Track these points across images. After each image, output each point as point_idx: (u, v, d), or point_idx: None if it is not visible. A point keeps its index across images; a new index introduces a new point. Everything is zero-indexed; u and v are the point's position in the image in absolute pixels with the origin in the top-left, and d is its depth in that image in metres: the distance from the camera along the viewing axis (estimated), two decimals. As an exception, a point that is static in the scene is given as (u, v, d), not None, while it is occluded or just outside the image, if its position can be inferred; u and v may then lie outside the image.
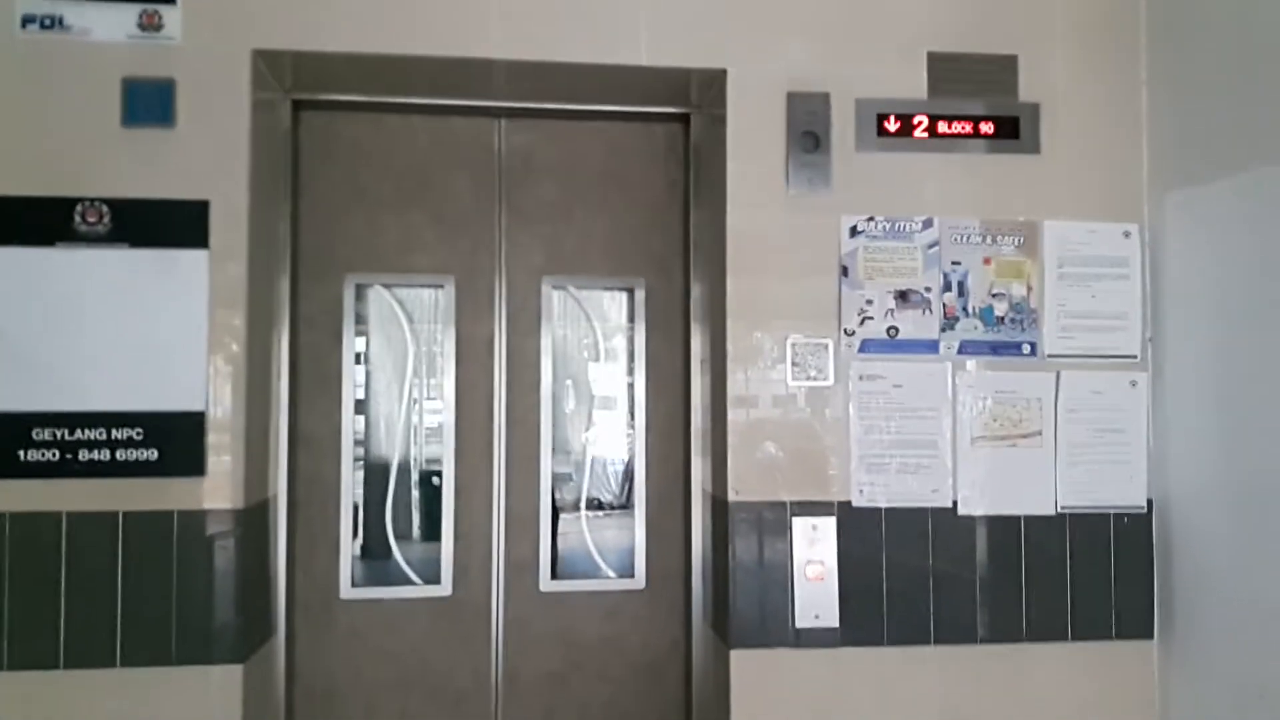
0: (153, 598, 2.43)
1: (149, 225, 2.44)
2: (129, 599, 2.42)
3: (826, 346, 2.65)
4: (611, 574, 3.11)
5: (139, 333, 2.44)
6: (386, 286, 3.07)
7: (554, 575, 3.05)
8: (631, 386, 3.14)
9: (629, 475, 3.14)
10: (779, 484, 2.63)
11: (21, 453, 2.39)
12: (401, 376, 3.10)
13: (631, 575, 3.08)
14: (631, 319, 3.14)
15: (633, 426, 3.12)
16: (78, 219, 2.42)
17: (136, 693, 2.41)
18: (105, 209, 2.43)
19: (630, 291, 3.14)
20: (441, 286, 3.05)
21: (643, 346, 3.11)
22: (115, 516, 2.43)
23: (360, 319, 3.04)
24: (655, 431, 3.11)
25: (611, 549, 3.14)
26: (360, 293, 3.03)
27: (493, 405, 3.04)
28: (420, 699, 2.97)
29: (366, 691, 2.95)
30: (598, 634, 3.05)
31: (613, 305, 3.20)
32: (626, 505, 3.14)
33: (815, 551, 2.61)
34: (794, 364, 2.64)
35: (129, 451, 2.44)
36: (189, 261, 2.45)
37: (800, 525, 2.62)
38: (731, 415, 2.63)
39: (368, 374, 3.08)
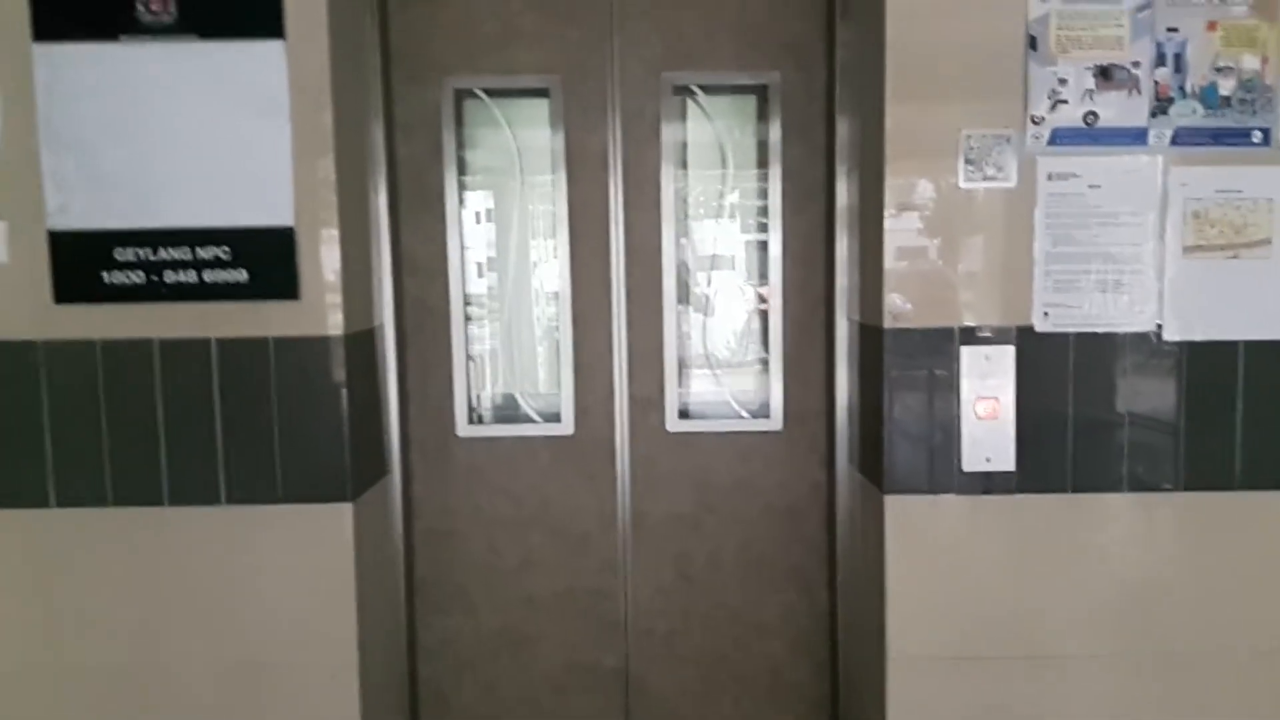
0: (254, 432, 2.26)
1: (218, 12, 2.15)
2: (230, 433, 2.26)
3: (1008, 139, 2.20)
4: (745, 414, 2.81)
5: (217, 138, 2.19)
6: (488, 93, 2.72)
7: (682, 414, 2.77)
8: (764, 201, 2.75)
9: (762, 304, 2.79)
10: (946, 307, 2.24)
11: (105, 274, 2.20)
12: (508, 195, 2.79)
13: (767, 415, 2.77)
14: (764, 117, 2.72)
15: (766, 248, 2.75)
16: (140, 7, 2.14)
17: (243, 531, 2.28)
18: (170, -6, 2.14)
19: (763, 88, 2.70)
20: (547, 90, 2.68)
21: (778, 150, 2.69)
22: (207, 344, 2.24)
23: (460, 129, 2.71)
24: (792, 254, 2.73)
25: (745, 388, 2.84)
26: (459, 97, 2.70)
27: (609, 228, 2.71)
28: (544, 539, 2.79)
29: (487, 531, 2.79)
30: (730, 476, 2.79)
31: (743, 104, 2.78)
32: (761, 338, 2.80)
33: (988, 385, 2.24)
34: (968, 161, 2.20)
35: (217, 272, 2.23)
36: (264, 54, 2.16)
37: (970, 355, 2.24)
38: (889, 226, 2.23)
39: (470, 190, 2.77)
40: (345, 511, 2.29)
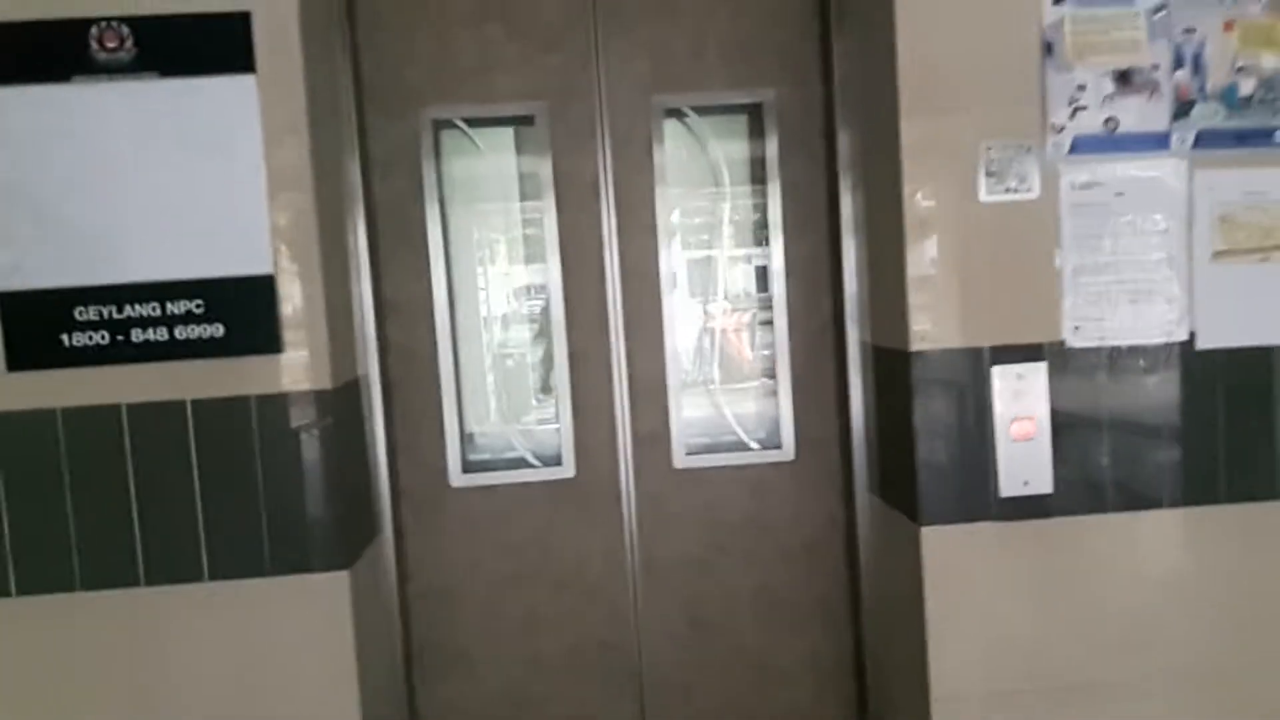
0: (238, 500, 2.06)
1: (180, 47, 1.97)
2: (210, 502, 2.06)
3: (1029, 149, 2.10)
4: (754, 445, 2.67)
5: (185, 182, 2.00)
6: (469, 123, 2.57)
7: (689, 450, 2.62)
8: (764, 220, 2.63)
9: (769, 329, 2.66)
10: (973, 327, 2.13)
11: (65, 336, 2.00)
12: (494, 228, 2.64)
13: (778, 445, 2.64)
14: (761, 135, 2.60)
15: (767, 269, 2.62)
16: (94, 45, 1.95)
17: (231, 608, 2.07)
18: (126, 30, 1.95)
19: (757, 106, 2.59)
20: (531, 117, 2.53)
21: (776, 167, 2.58)
22: (182, 406, 2.04)
23: (440, 161, 2.55)
24: (797, 274, 2.61)
25: (752, 416, 2.71)
26: (437, 130, 2.54)
27: (603, 255, 2.57)
28: (548, 593, 2.62)
29: (487, 588, 2.61)
30: (742, 512, 2.64)
31: (736, 124, 2.66)
32: (767, 364, 2.67)
33: (1022, 405, 2.13)
34: (989, 174, 2.10)
35: (190, 328, 2.03)
36: (234, 90, 1.98)
37: (1002, 375, 2.13)
38: (910, 243, 2.11)
39: (452, 227, 2.61)
40: (341, 580, 2.10)
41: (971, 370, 2.13)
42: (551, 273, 2.55)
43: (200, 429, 2.05)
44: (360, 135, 2.42)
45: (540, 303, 2.62)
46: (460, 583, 2.60)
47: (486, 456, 2.64)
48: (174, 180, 1.99)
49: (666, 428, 2.60)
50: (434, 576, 2.59)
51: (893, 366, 2.25)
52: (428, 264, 2.54)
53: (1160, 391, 2.15)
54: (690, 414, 2.64)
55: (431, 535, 2.58)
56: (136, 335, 2.02)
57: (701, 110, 2.61)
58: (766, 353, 2.66)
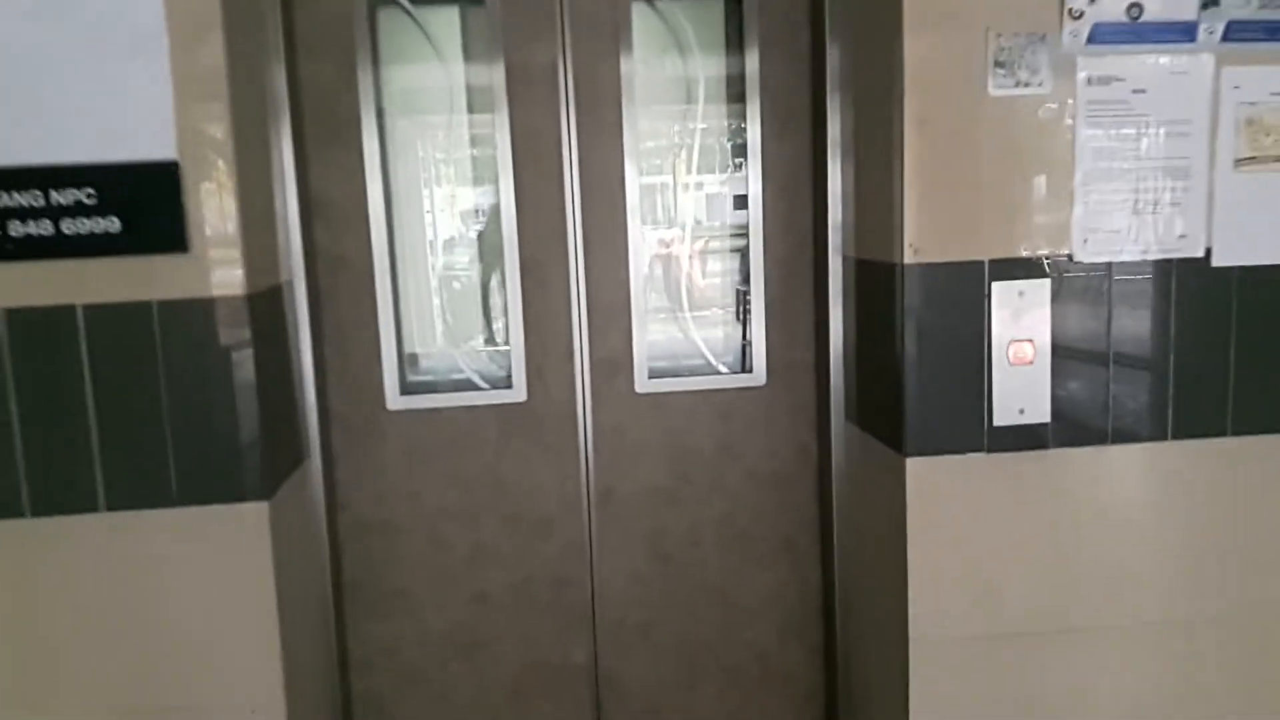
0: (138, 420, 1.79)
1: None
2: (106, 423, 1.79)
3: (1042, 39, 1.86)
4: (723, 369, 2.45)
5: (70, 46, 1.69)
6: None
7: (651, 373, 2.39)
8: (740, 124, 2.38)
9: (742, 246, 2.43)
10: (972, 237, 1.92)
11: (-74, 228, 1.70)
12: (436, 125, 2.36)
13: (748, 369, 2.42)
14: (739, 28, 2.33)
15: (744, 176, 2.38)
16: None
17: (131, 544, 1.82)
18: None
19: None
20: (482, -5, 2.24)
21: (755, 67, 2.32)
22: (71, 312, 1.76)
23: (376, 44, 2.26)
24: (775, 185, 2.37)
25: (721, 340, 2.49)
26: (374, 4, 2.24)
27: (561, 160, 2.30)
28: (497, 527, 2.40)
29: (428, 521, 2.39)
30: (709, 440, 2.44)
31: (711, 11, 2.39)
32: (740, 282, 2.45)
33: (1022, 326, 1.93)
34: (997, 64, 1.87)
35: (80, 221, 1.75)
36: (124, -66, 1.67)
37: (1002, 291, 1.92)
38: (908, 141, 1.88)
39: (391, 122, 2.32)
40: (260, 512, 1.85)
41: (968, 286, 1.92)
42: (503, 178, 2.28)
43: (93, 338, 1.77)
44: (285, 9, 2.11)
45: (489, 208, 2.35)
46: (398, 515, 2.37)
47: (428, 378, 2.40)
48: (58, 43, 1.68)
49: (629, 349, 2.37)
50: (369, 508, 2.36)
51: (879, 282, 2.04)
52: (361, 163, 2.25)
53: (1171, 313, 1.97)
54: (655, 337, 2.42)
55: (366, 462, 2.35)
56: (15, 229, 1.73)
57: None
58: (741, 267, 2.43)
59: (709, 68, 2.40)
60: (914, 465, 1.96)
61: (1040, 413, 1.96)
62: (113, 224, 1.75)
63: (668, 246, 2.44)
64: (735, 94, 2.37)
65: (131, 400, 1.79)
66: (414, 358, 2.40)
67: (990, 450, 1.97)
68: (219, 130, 1.76)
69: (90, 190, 1.74)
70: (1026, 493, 2.00)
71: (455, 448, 2.36)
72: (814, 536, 2.48)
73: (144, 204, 1.75)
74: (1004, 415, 1.96)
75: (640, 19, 2.32)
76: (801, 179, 2.35)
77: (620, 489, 2.41)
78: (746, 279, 2.40)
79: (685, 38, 2.38)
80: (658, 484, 2.42)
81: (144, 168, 1.74)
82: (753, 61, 2.31)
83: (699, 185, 2.43)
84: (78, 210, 1.74)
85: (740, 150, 2.37)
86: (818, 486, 2.46)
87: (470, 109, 2.34)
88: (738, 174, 2.39)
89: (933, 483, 1.97)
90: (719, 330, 2.48)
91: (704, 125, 2.41)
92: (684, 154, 2.42)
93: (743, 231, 2.39)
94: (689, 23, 2.38)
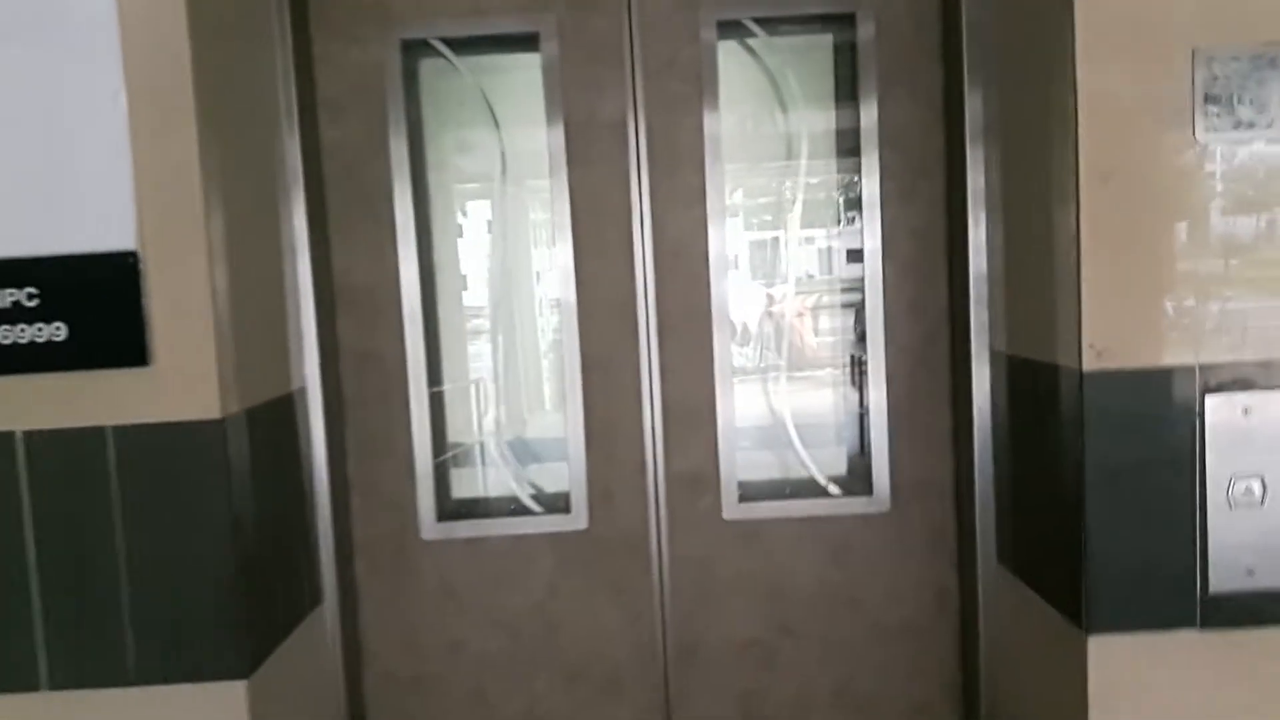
0: (87, 576, 1.46)
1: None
2: (49, 577, 1.47)
3: (1273, 63, 1.35)
4: (834, 490, 1.97)
5: (6, 109, 1.38)
6: (451, 46, 1.91)
7: (743, 494, 1.93)
8: (854, 185, 1.92)
9: (858, 333, 1.96)
10: (1178, 336, 1.40)
11: None
12: (483, 192, 1.99)
13: (866, 490, 1.94)
14: (850, 62, 1.88)
15: (861, 253, 1.92)
16: None
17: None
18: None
19: (849, 19, 1.87)
20: (535, 35, 1.86)
21: (873, 109, 1.86)
22: (9, 440, 1.43)
23: (412, 98, 1.90)
24: (899, 259, 1.91)
25: (832, 450, 2.00)
26: (411, 54, 1.88)
27: (632, 229, 1.89)
28: (553, 684, 1.99)
29: (472, 674, 2.00)
30: (817, 582, 1.98)
31: (817, 46, 1.95)
32: (855, 380, 1.97)
33: (1248, 455, 1.40)
34: (1208, 98, 1.36)
35: (18, 329, 1.45)
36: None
37: (1220, 408, 1.40)
38: (1085, 205, 1.39)
39: (428, 191, 1.96)
40: (234, 692, 1.47)
41: (1172, 402, 1.41)
42: (561, 255, 1.88)
43: (35, 472, 1.45)
44: (300, 63, 1.78)
45: (545, 294, 1.95)
46: (434, 667, 2.00)
47: (470, 497, 1.99)
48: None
49: (714, 463, 1.96)
50: (399, 659, 2.00)
51: (1043, 391, 1.54)
52: (393, 238, 1.89)
53: None
54: (747, 447, 1.96)
55: (396, 603, 1.97)
56: (-58, 337, 1.41)
57: (769, 24, 1.90)
58: (855, 367, 1.96)
59: (813, 117, 1.95)
60: (1098, 645, 1.47)
61: (1275, 574, 1.42)
62: (58, 331, 1.45)
63: (768, 317, 2.00)
64: (847, 147, 1.92)
65: (80, 551, 1.45)
66: (454, 475, 2.00)
67: (1205, 626, 1.48)
68: (189, 214, 1.40)
69: (31, 290, 1.42)
70: (1257, 684, 1.48)
71: (502, 586, 1.96)
72: (954, 706, 1.94)
73: (95, 306, 1.43)
74: (1224, 578, 1.48)
75: (729, 59, 1.89)
76: (934, 248, 1.87)
77: (705, 641, 2.00)
78: (862, 338, 1.94)
79: (785, 80, 1.95)
80: (752, 636, 2.00)
81: (95, 260, 1.41)
82: (869, 107, 1.87)
83: (804, 263, 1.97)
84: (16, 315, 1.45)
85: (853, 206, 1.91)
86: (960, 645, 1.94)
87: (523, 173, 1.97)
88: (850, 241, 1.93)
89: (1125, 668, 1.50)
90: (829, 436, 1.99)
91: (805, 184, 1.96)
92: (784, 219, 1.97)
93: (858, 285, 1.93)
94: (789, 63, 1.94)
